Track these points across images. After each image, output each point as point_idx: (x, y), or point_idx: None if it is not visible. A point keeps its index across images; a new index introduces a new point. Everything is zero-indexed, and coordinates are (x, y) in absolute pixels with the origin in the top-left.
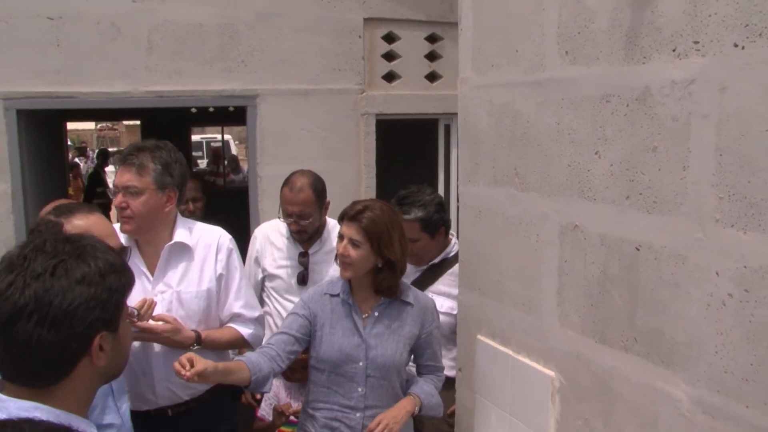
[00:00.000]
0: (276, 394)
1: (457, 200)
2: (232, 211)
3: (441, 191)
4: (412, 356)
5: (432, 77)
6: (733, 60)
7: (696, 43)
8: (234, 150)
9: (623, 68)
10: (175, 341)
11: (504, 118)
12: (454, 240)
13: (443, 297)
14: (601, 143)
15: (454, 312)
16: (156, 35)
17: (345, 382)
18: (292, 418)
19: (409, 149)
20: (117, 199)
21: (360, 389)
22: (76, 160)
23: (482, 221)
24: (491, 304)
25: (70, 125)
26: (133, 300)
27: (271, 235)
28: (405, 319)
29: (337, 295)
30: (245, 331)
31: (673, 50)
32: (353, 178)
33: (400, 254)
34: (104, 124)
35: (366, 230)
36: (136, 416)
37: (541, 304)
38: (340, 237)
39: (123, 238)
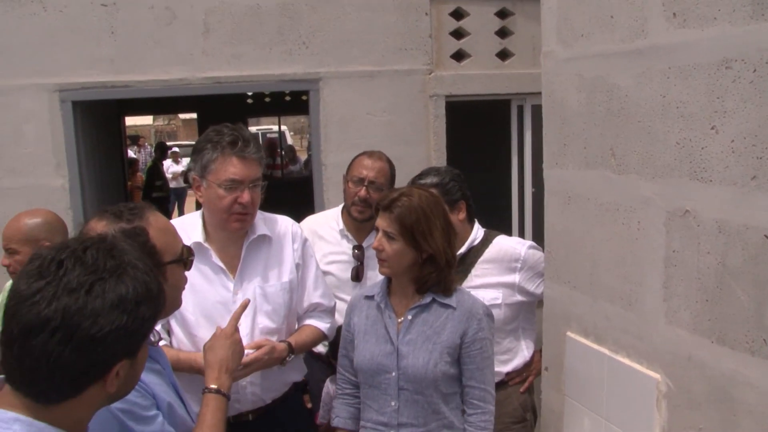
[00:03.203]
0: (333, 398)
1: (532, 186)
2: (292, 202)
3: (515, 176)
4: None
5: (503, 55)
6: None
7: None
8: (290, 140)
9: (750, 27)
10: (273, 360)
11: (596, 93)
12: (477, 226)
13: (482, 289)
14: (718, 116)
15: (498, 302)
16: (212, 18)
17: (379, 395)
18: None
19: (480, 132)
20: (244, 197)
21: (393, 403)
22: (131, 154)
23: (572, 208)
24: (583, 299)
25: (129, 120)
26: (213, 300)
27: (320, 229)
28: (444, 325)
29: (373, 297)
30: (323, 326)
31: None
32: (422, 163)
33: (442, 246)
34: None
35: (399, 220)
36: None
37: (644, 299)
38: (376, 229)
39: (200, 236)
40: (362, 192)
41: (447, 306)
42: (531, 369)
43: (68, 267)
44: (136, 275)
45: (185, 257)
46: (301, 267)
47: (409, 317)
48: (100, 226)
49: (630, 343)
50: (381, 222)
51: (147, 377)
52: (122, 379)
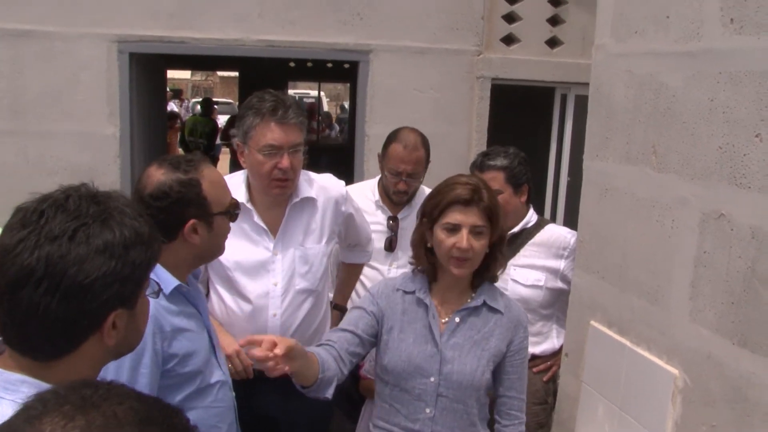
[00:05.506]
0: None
1: (568, 175)
2: (327, 167)
3: (552, 163)
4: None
5: (552, 43)
6: None
7: None
8: (326, 107)
9: None
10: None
11: (645, 90)
12: (531, 211)
13: (527, 269)
14: (764, 125)
15: (540, 284)
16: None
17: (411, 400)
18: None
19: (522, 117)
20: (284, 162)
21: (428, 410)
22: (173, 107)
23: (608, 200)
24: (610, 290)
25: (168, 74)
26: (253, 260)
27: (357, 199)
28: (492, 331)
29: (413, 292)
30: (366, 258)
31: None
32: (463, 143)
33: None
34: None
35: (487, 212)
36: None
37: (670, 296)
38: (452, 229)
39: (243, 197)
40: (401, 185)
41: (496, 311)
42: (556, 359)
43: (49, 215)
44: (123, 220)
45: (232, 211)
46: (346, 225)
47: (457, 319)
48: (159, 174)
49: (652, 337)
50: (463, 217)
51: (177, 321)
52: (121, 331)
